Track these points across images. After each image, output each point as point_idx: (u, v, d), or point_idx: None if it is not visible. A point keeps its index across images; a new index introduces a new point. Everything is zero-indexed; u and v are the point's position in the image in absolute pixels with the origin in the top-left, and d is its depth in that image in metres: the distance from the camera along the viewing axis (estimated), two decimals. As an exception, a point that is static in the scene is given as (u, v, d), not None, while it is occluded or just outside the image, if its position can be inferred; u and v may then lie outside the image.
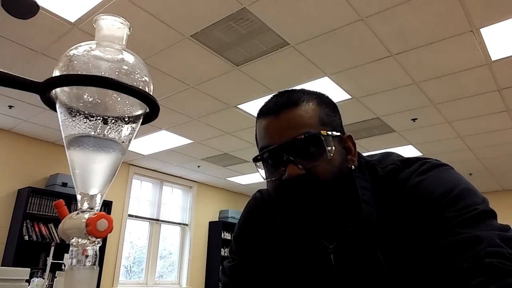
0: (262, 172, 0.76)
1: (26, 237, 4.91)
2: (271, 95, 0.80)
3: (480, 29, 2.97)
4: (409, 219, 0.68)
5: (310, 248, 0.79)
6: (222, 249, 7.44)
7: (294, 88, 0.81)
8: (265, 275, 0.85)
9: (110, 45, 0.35)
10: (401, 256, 0.68)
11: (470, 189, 0.66)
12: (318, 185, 0.68)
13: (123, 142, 0.35)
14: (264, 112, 0.76)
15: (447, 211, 0.62)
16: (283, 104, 0.73)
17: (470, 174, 6.44)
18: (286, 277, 0.83)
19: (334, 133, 0.72)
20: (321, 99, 0.77)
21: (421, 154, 5.71)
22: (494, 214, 0.62)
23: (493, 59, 3.34)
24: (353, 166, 0.75)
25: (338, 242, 0.75)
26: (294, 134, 0.69)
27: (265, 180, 0.76)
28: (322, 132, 0.70)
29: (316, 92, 0.80)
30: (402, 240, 0.69)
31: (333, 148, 0.71)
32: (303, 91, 0.77)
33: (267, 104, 0.78)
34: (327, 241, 0.77)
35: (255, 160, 0.75)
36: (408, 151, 5.62)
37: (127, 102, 0.34)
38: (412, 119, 4.59)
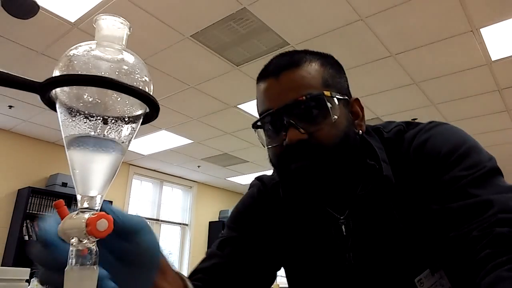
0: (263, 139, 0.71)
1: (26, 237, 4.91)
2: (272, 57, 0.74)
3: (480, 29, 2.97)
4: (418, 178, 0.65)
5: (318, 223, 0.74)
6: (222, 249, 7.43)
7: (297, 49, 0.76)
8: (265, 257, 0.78)
9: (110, 45, 0.35)
10: (415, 216, 0.65)
11: (476, 146, 0.64)
12: (322, 149, 0.64)
13: (123, 142, 0.35)
14: (263, 74, 0.71)
15: (455, 168, 0.60)
16: (284, 65, 0.68)
17: (470, 174, 6.44)
18: (293, 261, 0.78)
19: (339, 95, 0.67)
20: (326, 60, 0.72)
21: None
22: (501, 172, 0.61)
23: (493, 59, 3.34)
24: (360, 131, 0.71)
25: (349, 210, 0.71)
26: (295, 96, 0.64)
27: (266, 148, 0.71)
28: (325, 93, 0.65)
29: (320, 52, 0.74)
30: (414, 199, 0.66)
31: (338, 110, 0.66)
32: (306, 51, 0.72)
33: (267, 66, 0.73)
34: (337, 212, 0.72)
35: (255, 126, 0.71)
36: (408, 151, 5.63)
37: (127, 102, 0.34)
38: (412, 119, 4.58)
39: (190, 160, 6.39)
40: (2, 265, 4.68)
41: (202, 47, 3.30)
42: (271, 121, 0.67)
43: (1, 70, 0.32)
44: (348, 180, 0.70)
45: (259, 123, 0.70)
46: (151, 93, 0.34)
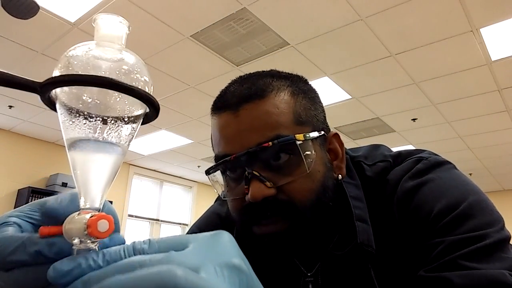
0: (219, 187, 0.57)
1: (26, 237, 4.91)
2: (227, 83, 0.60)
3: (480, 29, 2.97)
4: (404, 238, 0.52)
5: (283, 275, 0.61)
6: (222, 249, 7.45)
7: (258, 71, 0.60)
8: None
9: (109, 45, 0.35)
10: (398, 283, 0.52)
11: (481, 201, 0.50)
12: (293, 210, 0.51)
13: (123, 142, 0.35)
14: (218, 105, 0.56)
15: (450, 234, 0.47)
16: (244, 95, 0.53)
17: (470, 174, 6.45)
18: None
19: (315, 134, 0.53)
20: (297, 86, 0.57)
21: (421, 154, 5.72)
22: (509, 239, 0.47)
23: (493, 59, 3.35)
24: (339, 175, 0.57)
25: (321, 267, 0.58)
26: (259, 139, 0.50)
27: (223, 199, 0.57)
28: (297, 136, 0.51)
29: (290, 75, 0.59)
30: (398, 265, 0.53)
31: (314, 155, 0.52)
32: (272, 75, 0.57)
33: (223, 93, 0.58)
34: (305, 265, 0.60)
35: (208, 173, 0.56)
36: (408, 151, 5.63)
37: (127, 102, 0.34)
38: (412, 119, 4.59)
39: (190, 160, 6.40)
40: (2, 265, 4.68)
41: (202, 47, 3.30)
42: (229, 169, 0.54)
43: (1, 70, 0.32)
44: (323, 237, 0.58)
45: (212, 170, 0.56)
46: (151, 93, 0.34)
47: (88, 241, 0.30)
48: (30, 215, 0.32)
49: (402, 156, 0.60)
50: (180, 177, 7.41)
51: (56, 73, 0.32)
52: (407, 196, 0.53)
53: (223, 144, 0.54)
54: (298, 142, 0.51)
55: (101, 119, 0.32)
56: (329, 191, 0.55)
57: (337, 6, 2.77)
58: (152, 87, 0.35)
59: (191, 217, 7.53)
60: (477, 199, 0.50)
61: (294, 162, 0.51)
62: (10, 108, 4.55)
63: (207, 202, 7.80)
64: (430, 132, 4.94)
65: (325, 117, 0.60)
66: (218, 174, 0.57)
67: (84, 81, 0.31)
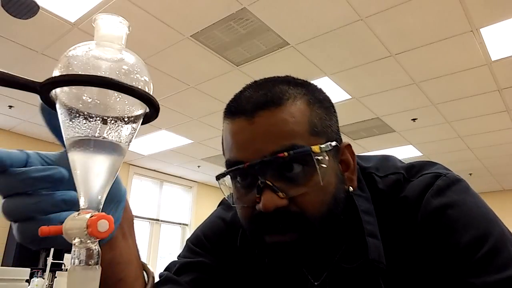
0: (227, 191, 0.57)
1: (26, 237, 4.91)
2: (242, 88, 0.59)
3: (480, 29, 2.97)
4: (425, 254, 0.52)
5: (289, 283, 0.61)
6: (222, 249, 7.45)
7: (273, 76, 0.59)
8: None
9: (109, 45, 0.35)
10: None
11: (503, 234, 0.51)
12: (304, 222, 0.51)
13: (123, 142, 0.35)
14: (233, 110, 0.54)
15: (483, 274, 0.47)
16: (261, 102, 0.52)
17: (470, 174, 6.45)
18: None
19: (329, 145, 0.52)
20: (313, 95, 0.56)
21: (421, 154, 5.71)
22: None
23: (493, 59, 3.35)
24: (351, 187, 0.57)
25: (328, 277, 0.58)
26: (273, 148, 0.49)
27: (233, 205, 0.56)
28: (313, 148, 0.50)
29: (306, 83, 0.58)
30: (410, 278, 0.53)
31: (328, 167, 0.52)
32: (288, 81, 0.56)
33: (237, 99, 0.56)
34: (312, 275, 0.59)
35: (219, 178, 0.56)
36: (408, 151, 5.63)
37: (127, 102, 0.34)
38: (412, 119, 4.59)
39: (190, 160, 6.40)
40: (2, 265, 4.68)
41: (202, 47, 3.30)
42: (241, 176, 0.54)
43: (1, 70, 0.32)
44: (333, 248, 0.58)
45: (223, 175, 0.55)
46: (151, 93, 0.34)
47: (88, 241, 0.30)
48: None
49: (415, 168, 0.59)
50: (180, 177, 7.41)
51: (56, 73, 0.32)
52: (433, 217, 0.52)
53: (236, 150, 0.53)
54: (313, 154, 0.50)
55: (101, 119, 0.32)
56: (341, 204, 0.54)
57: (337, 6, 2.77)
58: (152, 87, 0.35)
59: (191, 217, 7.53)
60: (500, 232, 0.51)
61: (308, 173, 0.51)
62: (10, 108, 4.55)
63: (207, 202, 7.80)
64: (430, 132, 4.94)
65: (338, 127, 0.59)
66: (227, 178, 0.56)
67: (84, 81, 0.31)
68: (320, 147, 0.51)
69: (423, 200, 0.54)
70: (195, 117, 4.73)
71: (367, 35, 3.09)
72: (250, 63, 3.51)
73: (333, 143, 0.53)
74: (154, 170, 6.99)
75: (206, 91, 4.07)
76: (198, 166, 6.75)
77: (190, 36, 3.16)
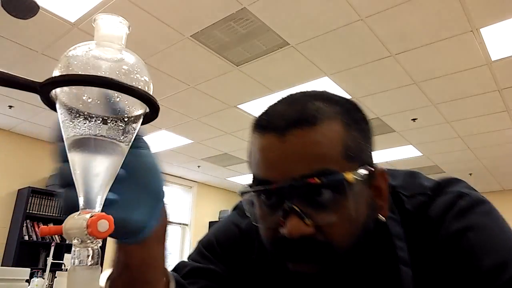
0: (251, 208, 0.53)
1: (26, 237, 4.91)
2: (276, 101, 0.55)
3: (480, 29, 2.97)
4: (447, 278, 0.50)
5: None
6: (222, 249, 7.44)
7: (309, 90, 0.55)
8: None
9: (109, 45, 0.35)
10: None
11: None
12: (331, 252, 0.47)
13: (123, 142, 0.35)
14: (263, 124, 0.51)
15: None
16: (294, 119, 0.48)
17: (470, 174, 6.45)
18: None
19: (364, 171, 0.49)
20: (350, 116, 0.52)
21: (421, 154, 5.71)
22: None
23: (493, 59, 3.35)
24: (381, 216, 0.53)
25: None
26: (304, 171, 0.46)
27: (254, 224, 0.53)
28: (346, 175, 0.46)
29: (343, 100, 0.54)
30: None
31: (359, 196, 0.49)
32: (323, 98, 0.52)
33: (269, 113, 0.52)
34: None
35: (243, 192, 0.53)
36: (408, 151, 5.62)
37: (127, 102, 0.34)
38: (412, 119, 4.59)
39: (190, 160, 6.40)
40: (2, 265, 4.68)
41: (202, 47, 3.30)
42: (266, 195, 0.51)
43: (1, 70, 0.32)
44: (357, 274, 0.54)
45: (248, 191, 0.52)
46: (151, 93, 0.34)
47: (88, 241, 0.30)
48: None
49: (440, 186, 0.57)
50: (180, 177, 7.41)
51: (56, 73, 0.32)
52: (453, 240, 0.51)
53: (264, 168, 0.50)
54: (345, 181, 0.46)
55: (101, 119, 0.32)
56: (370, 234, 0.51)
57: (337, 6, 2.77)
58: (152, 87, 0.35)
59: (191, 217, 7.53)
60: None
61: (338, 201, 0.47)
62: (10, 108, 4.55)
63: (207, 202, 7.80)
64: (430, 132, 4.94)
65: (372, 150, 0.55)
66: (250, 197, 0.54)
67: (84, 81, 0.31)
68: (354, 174, 0.47)
69: (444, 221, 0.52)
70: (195, 117, 4.73)
71: (367, 35, 3.09)
72: (250, 63, 3.51)
73: (367, 170, 0.50)
74: (154, 170, 6.99)
75: (206, 91, 4.07)
76: (198, 166, 6.75)
77: (190, 36, 3.16)
